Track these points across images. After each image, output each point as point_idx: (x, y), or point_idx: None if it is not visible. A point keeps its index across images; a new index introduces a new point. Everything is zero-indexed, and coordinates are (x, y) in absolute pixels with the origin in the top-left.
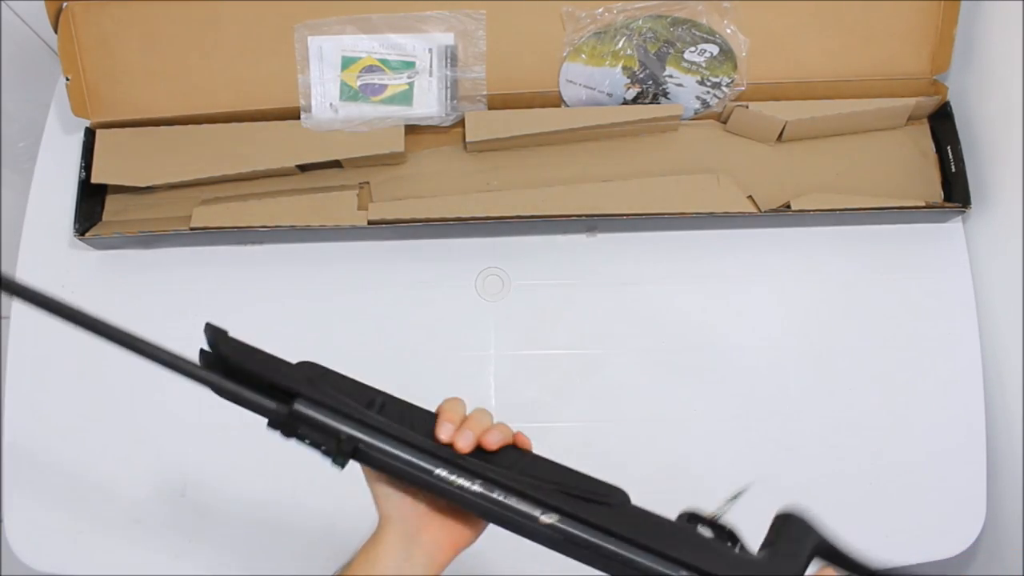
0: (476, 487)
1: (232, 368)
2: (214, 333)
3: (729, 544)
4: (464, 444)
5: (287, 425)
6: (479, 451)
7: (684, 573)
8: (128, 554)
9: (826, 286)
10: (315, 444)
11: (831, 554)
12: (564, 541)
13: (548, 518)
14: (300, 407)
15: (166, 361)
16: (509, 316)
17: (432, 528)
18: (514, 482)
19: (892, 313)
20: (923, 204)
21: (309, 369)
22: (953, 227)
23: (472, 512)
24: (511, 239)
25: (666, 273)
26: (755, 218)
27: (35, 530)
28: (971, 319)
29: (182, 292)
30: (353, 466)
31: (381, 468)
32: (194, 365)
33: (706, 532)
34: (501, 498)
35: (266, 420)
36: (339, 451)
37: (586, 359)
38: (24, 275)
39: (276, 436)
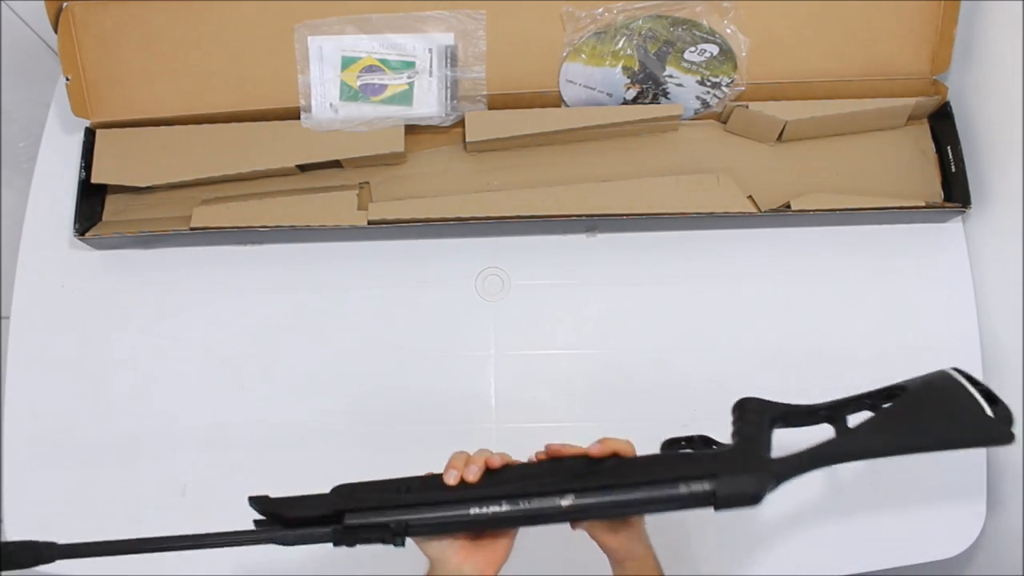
0: (505, 507)
1: (286, 520)
2: (259, 502)
3: (708, 446)
4: (471, 476)
5: (347, 537)
6: (491, 478)
7: (682, 486)
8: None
9: (826, 286)
10: (375, 540)
11: (786, 417)
12: (586, 511)
13: (567, 500)
14: (350, 520)
15: (231, 542)
16: (509, 316)
17: (472, 557)
18: (530, 487)
19: (892, 313)
20: (923, 204)
21: (341, 490)
22: (953, 227)
23: (511, 527)
24: (511, 239)
25: (666, 273)
26: (755, 218)
27: (35, 530)
28: (971, 319)
29: (182, 292)
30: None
31: (431, 533)
32: (256, 533)
33: (686, 449)
34: (527, 504)
35: (331, 543)
36: (394, 535)
37: (586, 359)
38: (24, 275)
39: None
